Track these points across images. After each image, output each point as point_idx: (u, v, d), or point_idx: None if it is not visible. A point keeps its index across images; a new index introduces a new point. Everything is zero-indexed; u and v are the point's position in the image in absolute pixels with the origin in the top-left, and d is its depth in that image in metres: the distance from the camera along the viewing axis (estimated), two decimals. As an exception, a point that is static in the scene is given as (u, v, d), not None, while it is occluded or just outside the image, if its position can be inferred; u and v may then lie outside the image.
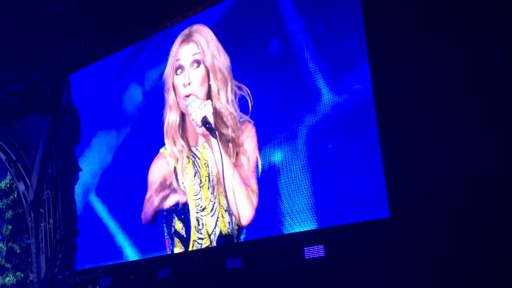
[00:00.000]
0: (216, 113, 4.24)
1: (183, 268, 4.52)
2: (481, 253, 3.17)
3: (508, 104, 3.20)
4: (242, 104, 4.31)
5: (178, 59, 4.48)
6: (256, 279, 4.09)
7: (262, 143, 4.18)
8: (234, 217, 4.17)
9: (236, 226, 4.19)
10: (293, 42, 4.12)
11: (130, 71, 5.19)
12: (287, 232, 3.98)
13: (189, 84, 4.37)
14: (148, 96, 4.97)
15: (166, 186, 4.51)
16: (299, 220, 3.94)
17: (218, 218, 4.30)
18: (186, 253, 4.43)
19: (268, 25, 4.28)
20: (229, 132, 4.24)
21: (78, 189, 5.48)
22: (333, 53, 3.91)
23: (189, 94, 4.35)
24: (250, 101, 4.25)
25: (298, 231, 3.93)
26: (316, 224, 3.85)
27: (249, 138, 4.22)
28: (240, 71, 4.39)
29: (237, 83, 4.33)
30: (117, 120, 5.21)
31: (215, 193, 4.31)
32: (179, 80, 4.45)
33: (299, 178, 3.97)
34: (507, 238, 3.10)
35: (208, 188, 4.35)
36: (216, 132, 4.05)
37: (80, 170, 5.48)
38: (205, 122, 4.04)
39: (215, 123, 4.16)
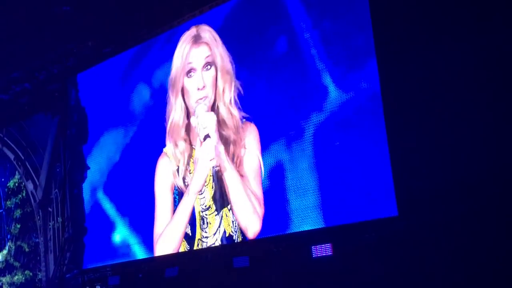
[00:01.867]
0: (219, 118, 4.26)
1: (190, 267, 4.53)
2: (488, 252, 3.16)
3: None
4: (242, 103, 4.33)
5: (190, 62, 4.45)
6: (263, 278, 4.09)
7: (269, 141, 4.18)
8: (242, 230, 4.19)
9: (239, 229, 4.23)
10: (300, 40, 4.11)
11: (137, 70, 5.20)
12: (294, 231, 3.97)
13: (203, 87, 4.37)
14: (156, 95, 4.98)
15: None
16: (306, 218, 3.93)
17: (222, 217, 4.31)
18: (193, 251, 4.44)
19: (275, 23, 4.28)
20: (230, 134, 4.25)
21: (86, 187, 5.50)
22: (340, 51, 3.90)
23: (203, 97, 4.35)
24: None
25: (306, 229, 3.92)
26: (323, 223, 3.84)
27: (250, 138, 4.23)
28: (246, 69, 4.39)
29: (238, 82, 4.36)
30: (124, 118, 5.23)
31: (219, 192, 4.32)
32: (191, 83, 4.43)
33: (306, 176, 3.96)
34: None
35: (212, 187, 4.35)
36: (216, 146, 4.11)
37: (88, 168, 5.50)
38: (206, 137, 4.08)
39: (218, 128, 4.20)
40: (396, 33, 3.66)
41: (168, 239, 4.50)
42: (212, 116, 4.15)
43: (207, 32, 4.49)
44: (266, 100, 4.25)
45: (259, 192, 4.15)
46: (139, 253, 4.86)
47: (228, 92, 4.33)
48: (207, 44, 4.43)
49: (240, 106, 4.32)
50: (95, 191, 5.39)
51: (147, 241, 4.81)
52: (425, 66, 3.52)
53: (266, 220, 4.11)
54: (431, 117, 3.47)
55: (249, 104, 4.32)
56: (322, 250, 3.80)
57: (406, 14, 3.64)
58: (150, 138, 4.95)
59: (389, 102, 3.63)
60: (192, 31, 4.55)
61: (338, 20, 3.96)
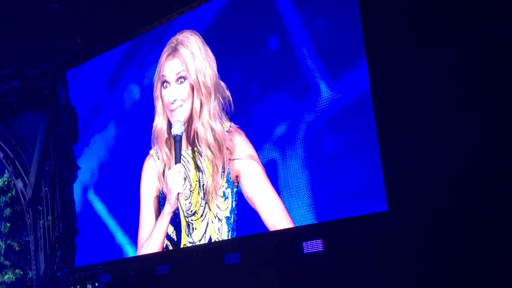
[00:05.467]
0: (194, 133, 4.28)
1: (181, 264, 4.53)
2: (478, 246, 3.20)
3: (505, 100, 3.21)
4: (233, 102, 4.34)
5: (163, 75, 4.42)
6: (254, 274, 4.10)
7: (261, 141, 4.19)
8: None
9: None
10: (291, 39, 4.13)
11: (127, 68, 5.19)
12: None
13: (174, 101, 4.33)
14: (146, 94, 4.96)
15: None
16: (297, 214, 3.94)
17: (208, 223, 4.32)
18: (184, 249, 4.44)
19: (266, 22, 4.29)
20: (208, 147, 4.23)
21: (77, 187, 5.48)
22: (331, 50, 3.93)
23: (175, 109, 4.33)
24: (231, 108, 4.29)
25: (297, 225, 3.93)
26: (315, 219, 3.86)
27: (240, 145, 4.23)
28: (236, 68, 4.40)
29: (222, 90, 4.33)
30: (115, 118, 5.21)
31: (205, 198, 4.31)
32: (165, 93, 4.41)
33: (298, 174, 3.99)
34: (504, 231, 3.12)
35: (199, 192, 4.35)
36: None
37: (79, 168, 5.48)
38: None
39: (198, 146, 4.27)
40: (387, 32, 3.69)
41: (151, 244, 4.48)
42: (179, 178, 4.14)
43: (183, 43, 4.38)
44: (257, 99, 4.25)
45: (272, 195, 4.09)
46: (131, 252, 4.85)
47: (207, 107, 4.25)
48: (180, 58, 4.35)
49: (225, 118, 4.29)
50: (86, 191, 5.38)
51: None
52: (415, 65, 3.56)
53: (258, 218, 4.11)
54: (420, 114, 3.51)
55: (240, 104, 4.32)
56: (313, 246, 3.82)
57: (396, 13, 3.67)
58: (140, 137, 4.93)
59: (379, 100, 3.66)
60: (173, 41, 4.47)
61: (328, 20, 3.98)
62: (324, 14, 4.00)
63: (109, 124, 5.25)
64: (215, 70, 4.36)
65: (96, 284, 5.17)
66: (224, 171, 4.22)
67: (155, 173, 4.56)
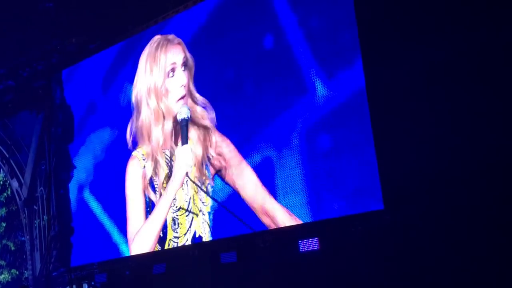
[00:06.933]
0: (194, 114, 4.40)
1: (178, 263, 4.53)
2: (474, 243, 3.21)
3: (501, 98, 3.23)
4: (228, 100, 4.41)
5: (173, 62, 4.49)
6: (251, 273, 4.11)
7: (257, 139, 4.19)
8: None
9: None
10: (286, 37, 4.13)
11: (122, 67, 5.17)
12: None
13: (182, 85, 4.43)
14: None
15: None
16: (293, 213, 3.95)
17: (193, 218, 4.37)
18: (181, 248, 4.44)
19: (261, 21, 4.28)
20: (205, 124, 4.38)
21: (73, 186, 5.47)
22: (327, 49, 3.93)
23: (183, 96, 4.41)
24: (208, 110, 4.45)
25: (293, 224, 3.94)
26: (311, 217, 3.87)
27: (229, 149, 4.32)
28: (232, 66, 4.40)
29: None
30: (110, 117, 5.20)
31: (190, 194, 4.37)
32: (172, 82, 4.46)
33: (293, 172, 3.99)
34: (500, 229, 3.13)
35: (183, 188, 4.39)
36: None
37: (75, 167, 5.47)
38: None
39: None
40: (381, 31, 3.69)
41: (143, 240, 4.53)
42: (189, 156, 4.24)
43: (175, 37, 4.63)
44: (253, 98, 4.25)
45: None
46: (127, 251, 4.84)
47: (195, 94, 4.49)
48: (181, 44, 4.58)
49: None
50: (81, 190, 5.37)
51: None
52: (411, 62, 3.56)
53: (255, 216, 4.12)
54: (416, 112, 3.51)
55: (236, 102, 4.33)
56: (309, 244, 3.83)
57: (391, 12, 3.67)
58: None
59: (375, 98, 3.67)
60: (159, 38, 4.67)
61: (324, 18, 3.97)
62: (320, 13, 4.00)
63: (104, 123, 5.25)
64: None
65: (93, 283, 5.16)
66: (204, 165, 4.32)
67: (140, 173, 4.61)
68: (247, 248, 4.17)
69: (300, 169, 3.95)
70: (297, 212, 3.93)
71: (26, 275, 6.06)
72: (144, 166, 4.57)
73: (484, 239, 3.17)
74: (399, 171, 3.51)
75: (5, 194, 6.43)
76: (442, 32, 3.47)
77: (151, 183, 4.55)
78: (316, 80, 3.94)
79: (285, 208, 3.98)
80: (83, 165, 5.40)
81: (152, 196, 4.53)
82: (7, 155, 6.45)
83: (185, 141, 4.24)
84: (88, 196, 5.28)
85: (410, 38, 3.58)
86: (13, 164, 6.37)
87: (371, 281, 3.53)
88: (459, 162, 3.30)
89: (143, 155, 4.59)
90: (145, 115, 4.54)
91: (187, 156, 4.23)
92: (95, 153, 5.28)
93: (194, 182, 4.33)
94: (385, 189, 3.55)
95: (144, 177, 4.58)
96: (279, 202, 4.02)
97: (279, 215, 3.99)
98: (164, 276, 4.60)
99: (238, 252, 4.20)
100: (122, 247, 4.88)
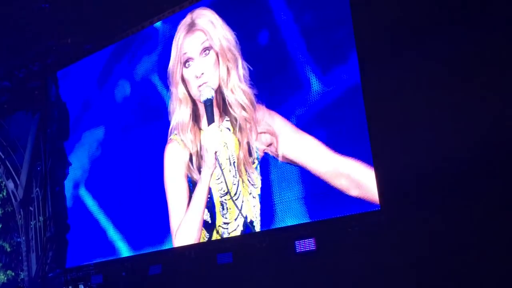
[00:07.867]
0: (226, 101, 4.23)
1: (174, 264, 4.52)
2: (471, 243, 3.19)
3: (497, 96, 3.22)
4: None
5: (185, 53, 4.44)
6: (247, 274, 4.09)
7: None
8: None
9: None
10: (282, 33, 4.11)
11: (117, 65, 5.17)
12: (278, 226, 3.98)
13: (202, 74, 4.32)
14: (136, 91, 4.95)
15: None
16: (290, 213, 3.94)
17: (243, 201, 4.19)
18: (177, 249, 4.42)
19: (256, 17, 4.27)
20: (243, 113, 4.19)
21: (68, 184, 5.46)
22: (322, 44, 3.91)
23: (203, 84, 4.30)
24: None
25: (289, 224, 3.93)
26: (307, 218, 3.85)
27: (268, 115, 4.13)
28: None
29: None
30: (106, 114, 5.19)
31: (237, 176, 4.21)
32: (189, 72, 4.40)
33: (289, 171, 3.97)
34: (497, 229, 3.13)
35: (230, 171, 4.26)
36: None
37: (70, 165, 5.46)
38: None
39: (228, 110, 4.23)
40: (376, 27, 3.68)
41: (186, 229, 4.36)
42: (216, 136, 4.17)
43: (202, 17, 4.45)
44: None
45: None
46: (123, 249, 4.84)
47: (235, 72, 4.26)
48: (201, 30, 4.41)
49: (252, 83, 4.23)
50: (77, 187, 5.36)
51: (130, 237, 4.80)
52: (405, 59, 3.54)
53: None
54: (412, 110, 3.49)
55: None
56: (306, 244, 3.82)
57: (386, 8, 3.65)
58: (131, 133, 4.93)
59: (370, 94, 3.65)
60: (187, 19, 4.53)
61: (319, 14, 3.97)
62: (315, 9, 3.98)
63: (100, 120, 5.24)
64: (235, 39, 4.34)
65: (89, 284, 5.15)
66: (251, 147, 4.15)
67: (182, 158, 4.46)
68: (244, 248, 4.16)
69: (295, 167, 3.93)
70: (292, 210, 3.91)
71: (22, 276, 6.04)
72: (185, 146, 4.42)
73: (481, 239, 3.15)
74: (395, 170, 3.49)
75: (0, 195, 6.41)
76: (437, 27, 3.45)
77: (192, 165, 4.41)
78: (311, 76, 3.93)
79: (359, 161, 3.69)
80: (78, 163, 5.38)
81: (196, 176, 4.36)
82: (3, 156, 6.43)
83: (211, 120, 4.17)
84: (83, 193, 5.26)
85: (405, 33, 3.55)
86: (9, 165, 6.35)
87: (367, 282, 3.51)
88: (457, 161, 3.28)
89: (183, 140, 4.47)
90: (175, 104, 4.50)
91: (214, 136, 4.15)
92: (90, 150, 5.27)
93: (219, 164, 4.17)
94: (381, 189, 3.53)
95: (187, 164, 4.44)
96: (275, 199, 4.00)
97: (355, 169, 3.69)
98: (160, 277, 4.58)
99: (234, 253, 4.19)
100: (118, 243, 4.86)
